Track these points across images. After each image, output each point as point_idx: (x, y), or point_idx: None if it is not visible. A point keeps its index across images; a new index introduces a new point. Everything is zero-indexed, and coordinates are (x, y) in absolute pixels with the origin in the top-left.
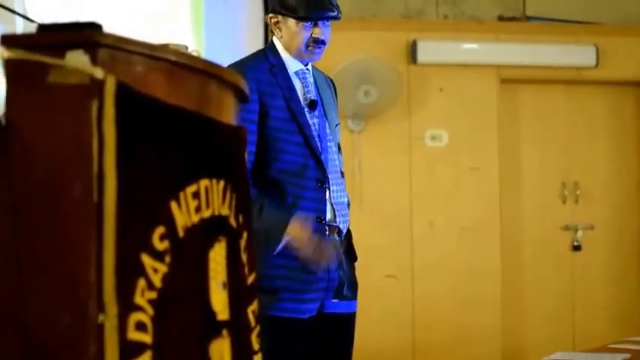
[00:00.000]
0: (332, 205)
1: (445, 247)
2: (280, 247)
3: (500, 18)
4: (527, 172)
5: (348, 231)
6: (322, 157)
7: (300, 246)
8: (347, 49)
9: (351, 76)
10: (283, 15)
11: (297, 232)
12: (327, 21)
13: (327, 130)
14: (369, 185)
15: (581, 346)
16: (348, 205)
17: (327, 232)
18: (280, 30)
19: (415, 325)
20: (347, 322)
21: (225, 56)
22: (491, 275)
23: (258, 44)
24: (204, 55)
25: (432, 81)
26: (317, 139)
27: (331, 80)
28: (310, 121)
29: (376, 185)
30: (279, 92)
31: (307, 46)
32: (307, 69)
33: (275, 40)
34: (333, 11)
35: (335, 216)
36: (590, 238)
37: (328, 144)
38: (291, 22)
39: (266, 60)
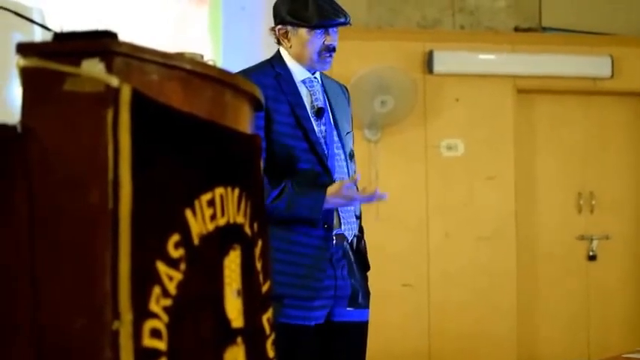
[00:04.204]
0: (338, 212)
1: (461, 257)
2: (329, 205)
3: (517, 29)
4: (543, 181)
5: (362, 240)
6: (329, 164)
7: (347, 194)
8: (363, 58)
9: (367, 85)
10: (293, 25)
11: (338, 186)
12: (336, 28)
13: (335, 138)
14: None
15: (596, 355)
16: (359, 214)
17: (334, 241)
18: (289, 40)
19: (431, 334)
20: (359, 330)
21: (242, 65)
22: (507, 284)
23: None
24: (221, 64)
25: (448, 91)
26: (324, 145)
27: (345, 88)
28: (317, 128)
29: (392, 194)
30: (284, 98)
31: (320, 55)
32: (315, 77)
33: (282, 50)
34: (344, 17)
35: (340, 224)
36: (606, 248)
37: (335, 151)
38: (302, 31)
39: (271, 68)
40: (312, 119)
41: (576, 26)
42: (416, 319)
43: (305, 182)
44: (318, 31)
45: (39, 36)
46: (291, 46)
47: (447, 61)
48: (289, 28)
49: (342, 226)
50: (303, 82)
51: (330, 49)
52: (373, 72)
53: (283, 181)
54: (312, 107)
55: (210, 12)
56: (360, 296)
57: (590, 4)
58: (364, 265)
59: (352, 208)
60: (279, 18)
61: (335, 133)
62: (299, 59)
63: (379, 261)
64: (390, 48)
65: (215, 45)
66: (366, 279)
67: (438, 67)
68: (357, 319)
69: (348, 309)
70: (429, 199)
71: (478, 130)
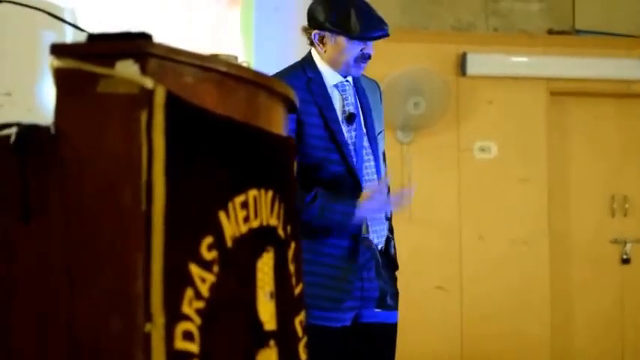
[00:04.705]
0: (365, 219)
1: (494, 259)
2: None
3: (550, 31)
4: (576, 184)
5: (390, 240)
6: (357, 168)
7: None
8: (396, 60)
9: (400, 87)
10: (332, 32)
11: (369, 192)
12: None
13: (365, 143)
14: (417, 197)
15: (630, 359)
16: (389, 215)
17: (362, 244)
18: (324, 45)
19: (464, 337)
20: (388, 332)
21: (275, 67)
22: (540, 287)
23: None
24: (253, 66)
25: (482, 93)
26: (352, 152)
27: (377, 84)
28: (348, 134)
29: (425, 197)
30: (313, 100)
31: (356, 61)
32: (347, 81)
33: (313, 53)
34: (386, 29)
35: (368, 231)
36: (639, 251)
37: (365, 157)
38: (341, 39)
39: (303, 72)
40: (341, 123)
41: (610, 29)
42: (448, 322)
43: (333, 185)
44: (359, 41)
45: (70, 36)
46: (325, 51)
47: (480, 63)
48: (327, 34)
49: (371, 234)
50: (336, 86)
51: (367, 57)
52: (406, 74)
53: (314, 189)
54: (344, 112)
55: (242, 13)
56: (388, 297)
57: (623, 6)
58: (393, 266)
59: (380, 214)
60: (316, 22)
61: (365, 138)
62: (333, 64)
63: (412, 263)
64: (423, 50)
65: (247, 46)
66: (394, 279)
67: (471, 70)
68: (386, 320)
69: (376, 310)
70: (461, 202)
71: (511, 133)
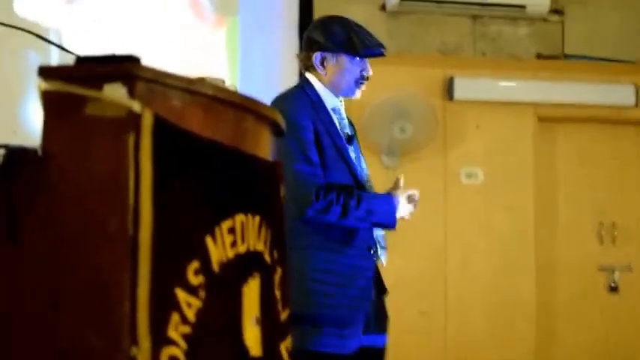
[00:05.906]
0: (374, 237)
1: (479, 285)
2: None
3: (539, 56)
4: (563, 211)
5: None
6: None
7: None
8: (383, 84)
9: (386, 111)
10: (335, 52)
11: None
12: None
13: (364, 165)
14: (403, 221)
15: None
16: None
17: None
18: (325, 67)
19: None
20: (375, 356)
21: (260, 89)
22: (526, 315)
23: (294, 77)
24: (239, 85)
25: (469, 118)
26: (359, 171)
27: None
28: (353, 154)
29: (411, 221)
30: (323, 127)
31: (356, 83)
32: (341, 103)
33: (311, 76)
34: (384, 48)
35: (377, 248)
36: (627, 280)
37: (365, 177)
38: (343, 59)
39: (307, 96)
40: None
41: (599, 54)
42: (432, 347)
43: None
44: (358, 59)
45: (55, 57)
46: (326, 74)
47: (467, 87)
48: (328, 55)
49: (379, 250)
50: (333, 110)
51: (365, 79)
52: (392, 98)
53: (354, 191)
54: (344, 134)
55: (227, 33)
56: (375, 321)
57: (613, 31)
58: (382, 289)
59: (382, 232)
60: (317, 44)
61: (363, 159)
62: (333, 86)
63: (396, 288)
64: (410, 74)
65: (232, 66)
66: (383, 302)
67: (458, 94)
68: (374, 344)
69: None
70: (447, 227)
71: (498, 158)
